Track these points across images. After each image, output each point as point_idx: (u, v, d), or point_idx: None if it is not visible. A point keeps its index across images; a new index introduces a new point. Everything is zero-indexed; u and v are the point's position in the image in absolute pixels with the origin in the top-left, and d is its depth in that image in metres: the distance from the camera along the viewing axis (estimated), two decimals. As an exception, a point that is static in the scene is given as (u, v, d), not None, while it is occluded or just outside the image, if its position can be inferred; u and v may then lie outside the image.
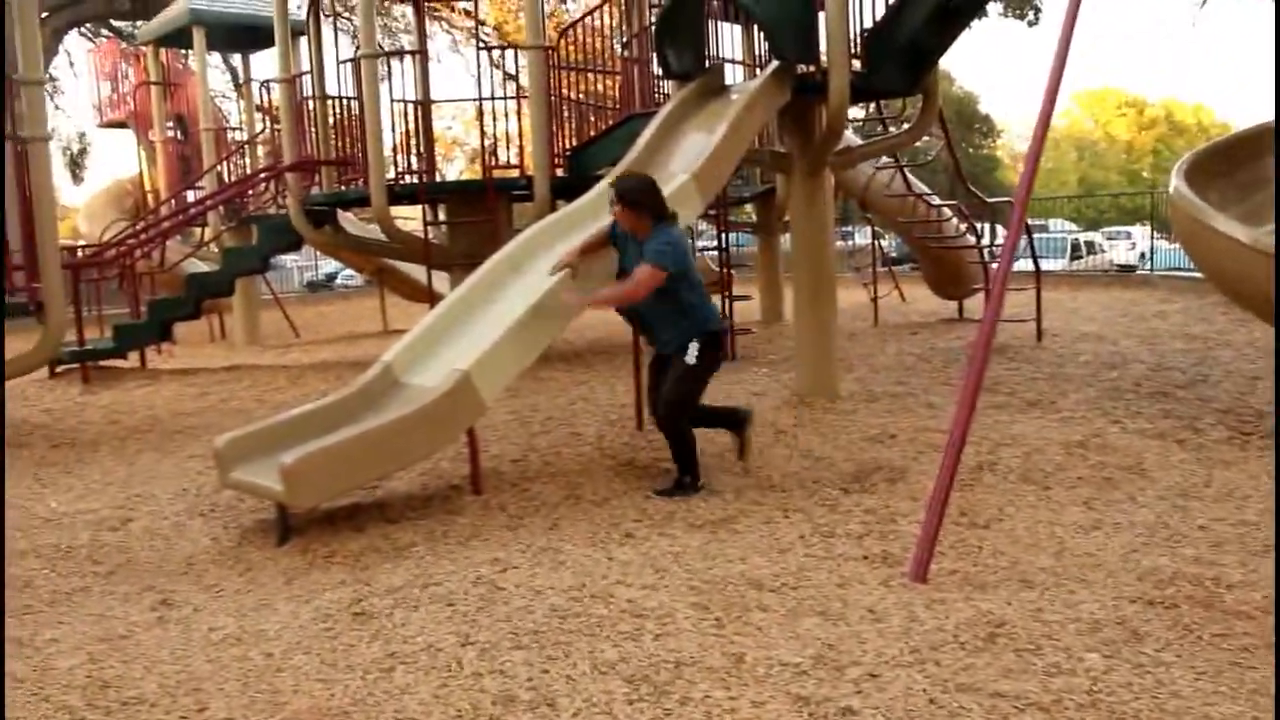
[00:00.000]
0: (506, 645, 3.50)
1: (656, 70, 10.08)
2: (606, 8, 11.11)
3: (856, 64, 7.62)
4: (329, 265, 32.51)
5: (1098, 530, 4.69)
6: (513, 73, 13.13)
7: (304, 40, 11.55)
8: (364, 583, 4.31)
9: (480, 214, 9.80)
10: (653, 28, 8.66)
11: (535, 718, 2.97)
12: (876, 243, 15.29)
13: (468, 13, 20.89)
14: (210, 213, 13.90)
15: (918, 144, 13.54)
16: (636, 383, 7.13)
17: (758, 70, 8.63)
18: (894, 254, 20.25)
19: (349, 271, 32.37)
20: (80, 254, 13.99)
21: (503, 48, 12.45)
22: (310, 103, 11.05)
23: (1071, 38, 4.99)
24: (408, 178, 10.69)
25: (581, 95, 11.47)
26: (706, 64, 7.95)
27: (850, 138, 11.09)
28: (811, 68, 7.51)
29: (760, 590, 3.97)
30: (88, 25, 24.77)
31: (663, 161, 6.93)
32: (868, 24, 7.85)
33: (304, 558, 4.82)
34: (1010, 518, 4.93)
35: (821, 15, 7.32)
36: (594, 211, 6.45)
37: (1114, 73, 77.54)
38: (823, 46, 7.42)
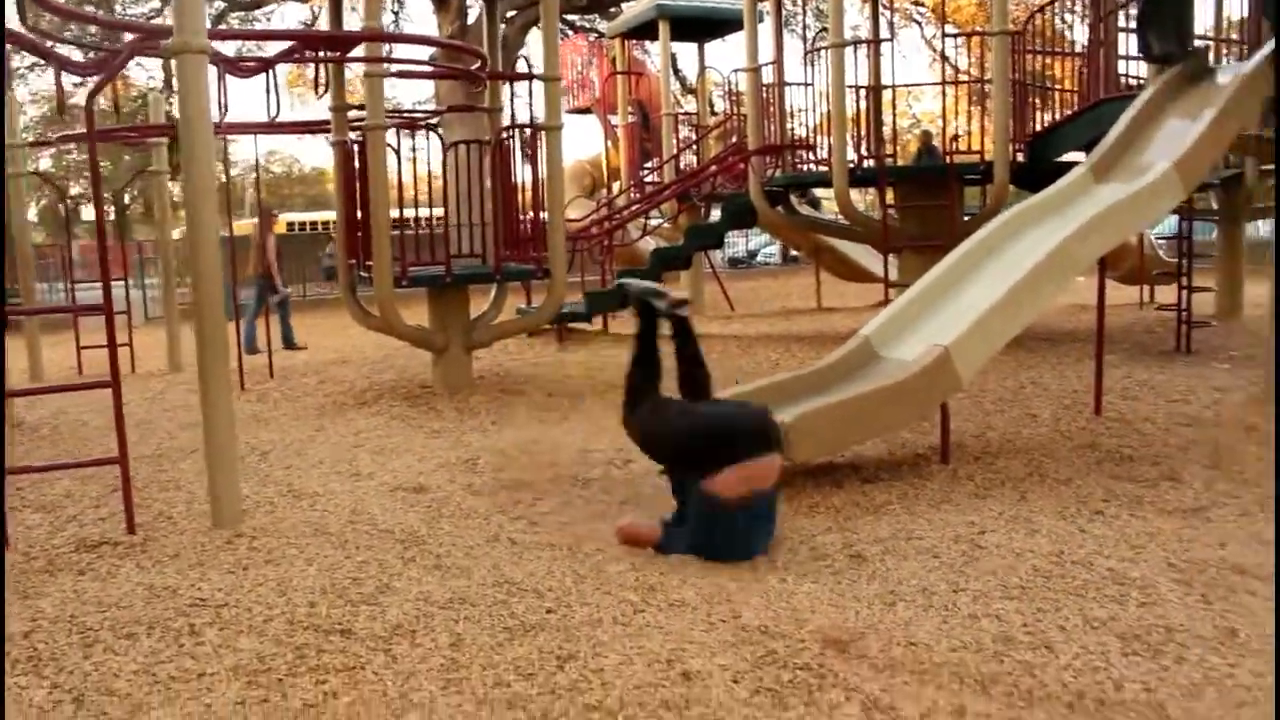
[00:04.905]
0: (996, 595, 3.85)
1: (1123, 53, 9.91)
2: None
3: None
4: (751, 243, 33.80)
5: None
6: (955, 61, 13.21)
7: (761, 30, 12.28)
8: (850, 531, 4.80)
9: (934, 198, 10.07)
10: (1127, 11, 8.53)
11: (1035, 656, 3.31)
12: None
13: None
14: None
15: None
16: (1097, 368, 7.17)
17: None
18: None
19: (770, 249, 33.55)
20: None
21: (968, 34, 12.49)
22: (771, 90, 11.74)
23: None
24: (866, 163, 11.13)
25: (1043, 81, 11.38)
26: (1190, 48, 7.74)
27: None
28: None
29: (1244, 575, 4.05)
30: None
31: (1140, 148, 6.91)
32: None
33: (790, 506, 5.37)
34: None
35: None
36: (1066, 200, 6.59)
37: None
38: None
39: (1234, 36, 9.16)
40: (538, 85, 8.78)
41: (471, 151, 9.22)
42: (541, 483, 6.01)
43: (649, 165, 17.18)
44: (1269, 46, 7.07)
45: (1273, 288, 5.78)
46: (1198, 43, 8.24)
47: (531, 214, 9.11)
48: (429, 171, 9.39)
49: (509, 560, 4.47)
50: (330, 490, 5.86)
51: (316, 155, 70.43)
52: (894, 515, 5.04)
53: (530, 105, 8.92)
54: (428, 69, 8.83)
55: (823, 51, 10.32)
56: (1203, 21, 8.66)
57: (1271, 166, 11.39)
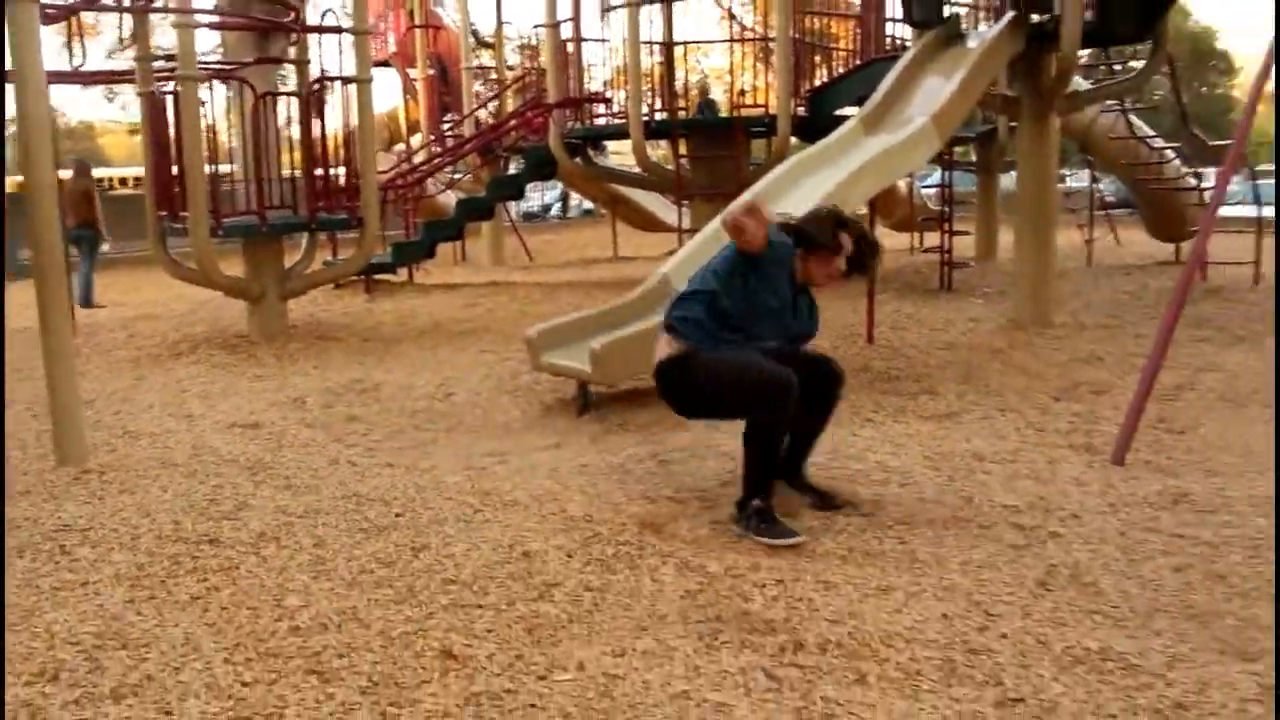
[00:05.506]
0: (784, 486, 4.55)
1: (890, 17, 10.83)
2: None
3: (1089, 13, 8.20)
4: (547, 196, 34.34)
5: (1286, 438, 5.37)
6: (743, 21, 14.03)
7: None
8: (657, 443, 5.43)
9: (723, 149, 10.81)
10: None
11: (818, 524, 4.01)
12: (1094, 185, 15.51)
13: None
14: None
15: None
16: (869, 304, 8.06)
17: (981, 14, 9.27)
18: (1110, 198, 20.12)
19: (558, 204, 34.21)
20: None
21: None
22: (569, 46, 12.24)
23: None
24: (659, 116, 11.78)
25: (822, 40, 12.28)
26: (945, 14, 8.65)
27: (1077, 81, 11.52)
28: (1045, 17, 8.13)
29: (982, 461, 4.90)
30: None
31: (902, 105, 7.76)
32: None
33: (602, 426, 5.99)
34: (1204, 427, 5.64)
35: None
36: (840, 149, 7.39)
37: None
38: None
39: (983, 4, 10.18)
40: (341, 37, 9.01)
41: (280, 103, 9.36)
42: (370, 416, 6.43)
43: (448, 119, 17.41)
44: (1010, 14, 8.03)
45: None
46: (955, 9, 9.20)
47: (341, 166, 9.35)
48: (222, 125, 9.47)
49: (353, 479, 4.91)
50: (167, 430, 6.12)
51: (85, 108, 66.50)
52: (694, 428, 5.69)
53: (339, 57, 9.11)
54: (240, 20, 8.89)
55: (618, 9, 10.87)
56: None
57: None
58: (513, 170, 14.65)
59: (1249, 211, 12.47)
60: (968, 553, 3.71)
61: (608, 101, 12.14)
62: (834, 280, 4.28)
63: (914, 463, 4.88)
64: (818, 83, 11.78)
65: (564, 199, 32.60)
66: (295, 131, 9.18)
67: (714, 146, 11.11)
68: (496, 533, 4.00)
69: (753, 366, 3.99)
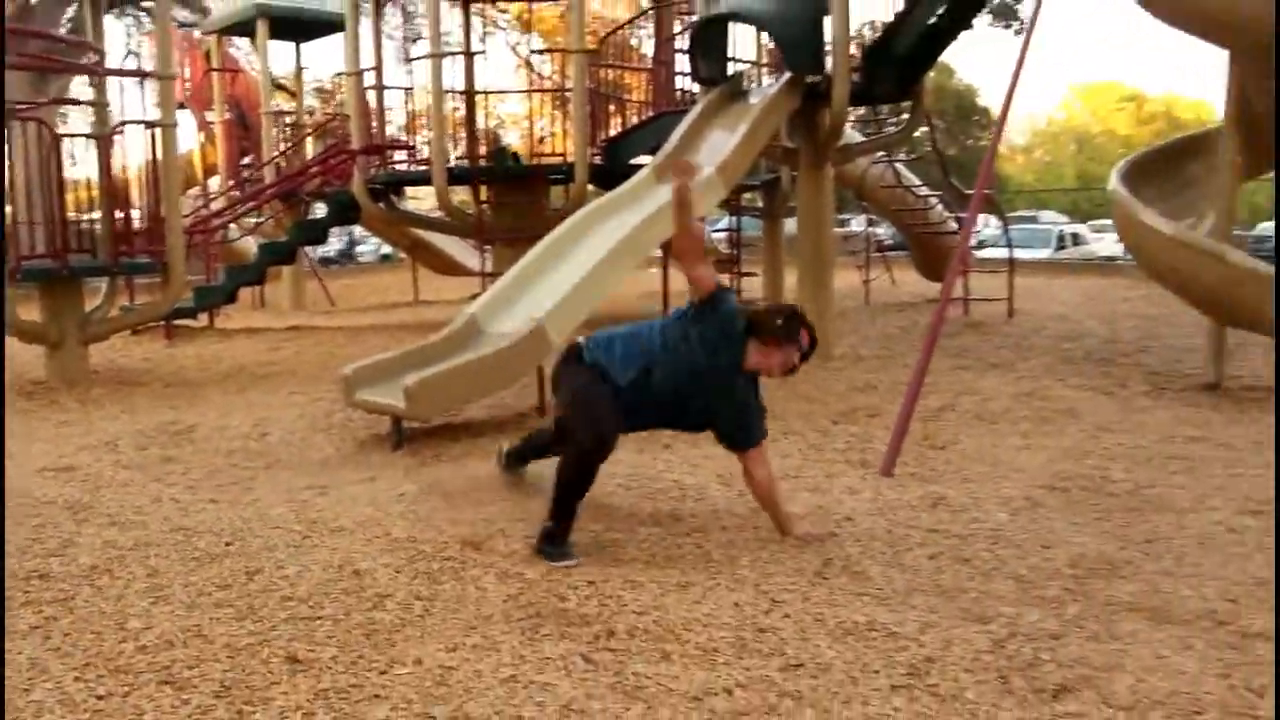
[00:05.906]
0: (604, 498, 4.95)
1: (679, 71, 11.54)
2: (639, 19, 12.54)
3: (856, 75, 9.06)
4: (340, 243, 33.94)
5: (1028, 450, 6.14)
6: (542, 71, 14.57)
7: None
8: (472, 472, 5.74)
9: (524, 195, 11.24)
10: (682, 38, 10.08)
11: (622, 536, 4.43)
12: (869, 230, 16.71)
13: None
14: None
15: (914, 136, 14.95)
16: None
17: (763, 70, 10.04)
18: (887, 241, 21.56)
19: (361, 248, 33.90)
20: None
21: (549, 51, 13.81)
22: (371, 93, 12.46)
23: (1029, 45, 6.51)
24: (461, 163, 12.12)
25: (616, 91, 12.89)
26: (729, 72, 9.37)
27: (850, 135, 12.50)
28: (818, 78, 8.93)
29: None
30: (127, 10, 25.97)
31: (691, 155, 8.37)
32: (867, 41, 9.31)
33: (417, 459, 6.26)
34: (961, 442, 6.37)
35: (828, 34, 8.75)
36: (634, 196, 7.92)
37: (1117, 66, 79.76)
38: (828, 61, 8.86)
39: (765, 63, 11.00)
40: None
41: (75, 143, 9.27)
42: (186, 456, 6.50)
43: (247, 163, 17.23)
44: (787, 74, 8.78)
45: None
46: (739, 66, 9.95)
47: (141, 209, 9.32)
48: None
49: (178, 514, 5.04)
50: (-31, 476, 6.04)
51: None
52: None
53: (141, 99, 9.09)
54: (43, 61, 8.78)
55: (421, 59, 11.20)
56: (743, 50, 10.39)
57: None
58: (315, 215, 14.68)
59: (1003, 254, 13.75)
60: (756, 552, 4.20)
61: (411, 149, 12.41)
62: (785, 370, 4.38)
63: (708, 481, 5.37)
64: (613, 133, 12.36)
65: (350, 244, 32.27)
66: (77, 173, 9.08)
67: (515, 192, 11.53)
68: (326, 555, 4.26)
69: (601, 411, 4.32)
